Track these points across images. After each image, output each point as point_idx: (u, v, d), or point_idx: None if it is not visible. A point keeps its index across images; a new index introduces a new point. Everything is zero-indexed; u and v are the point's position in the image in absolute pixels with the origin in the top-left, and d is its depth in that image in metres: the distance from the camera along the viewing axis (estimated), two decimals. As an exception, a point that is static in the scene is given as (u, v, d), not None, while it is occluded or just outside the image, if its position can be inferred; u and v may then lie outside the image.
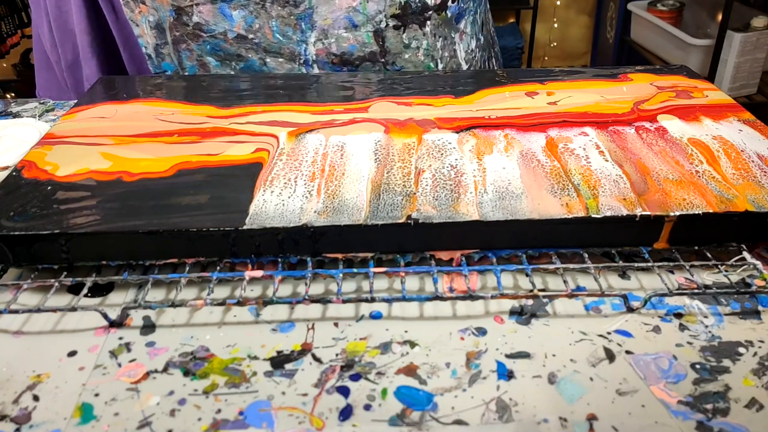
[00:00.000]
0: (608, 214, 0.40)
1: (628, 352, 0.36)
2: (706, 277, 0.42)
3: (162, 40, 0.66)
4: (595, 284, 0.40)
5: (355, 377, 0.34)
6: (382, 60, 0.67)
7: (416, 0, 0.65)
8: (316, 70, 0.67)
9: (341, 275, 0.40)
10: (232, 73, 0.66)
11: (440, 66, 0.70)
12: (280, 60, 0.66)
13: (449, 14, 0.69)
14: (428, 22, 0.67)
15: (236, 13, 0.61)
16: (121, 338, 0.37)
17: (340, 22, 0.63)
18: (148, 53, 0.68)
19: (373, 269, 0.40)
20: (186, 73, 0.68)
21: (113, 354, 0.36)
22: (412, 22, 0.66)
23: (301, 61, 0.66)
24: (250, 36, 0.63)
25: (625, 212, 0.40)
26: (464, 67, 0.74)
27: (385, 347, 0.36)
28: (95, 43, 0.75)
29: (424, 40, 0.68)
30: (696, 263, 0.41)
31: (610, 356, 0.36)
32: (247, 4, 0.61)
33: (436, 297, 0.38)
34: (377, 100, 0.55)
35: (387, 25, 0.65)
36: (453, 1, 0.69)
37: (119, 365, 0.35)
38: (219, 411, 0.33)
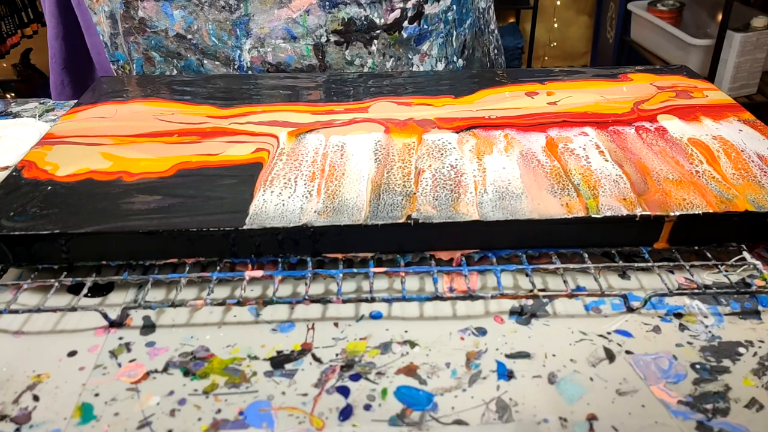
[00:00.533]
0: (608, 214, 0.40)
1: (628, 352, 0.36)
2: (706, 277, 0.42)
3: (115, 30, 0.67)
4: (595, 284, 0.40)
5: (355, 377, 0.34)
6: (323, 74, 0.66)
7: (361, 18, 0.64)
8: None
9: (341, 275, 0.40)
10: (175, 71, 0.67)
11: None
12: (216, 63, 0.66)
13: (405, 35, 0.66)
14: (375, 41, 0.66)
15: (177, 13, 0.62)
16: (121, 338, 0.37)
17: (278, 32, 0.63)
18: (105, 41, 0.70)
19: (373, 269, 0.40)
20: (134, 65, 0.69)
21: (113, 354, 0.36)
22: (356, 39, 0.65)
23: (236, 66, 0.66)
24: (189, 36, 0.64)
25: (625, 212, 0.40)
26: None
27: (385, 347, 0.36)
28: (62, 53, 0.77)
29: (369, 59, 0.67)
30: (696, 263, 0.41)
31: (610, 356, 0.36)
32: (186, 5, 0.61)
33: (436, 297, 0.38)
34: (377, 100, 0.55)
35: (328, 39, 0.64)
36: (411, 23, 0.66)
37: (119, 365, 0.35)
38: (219, 411, 0.33)
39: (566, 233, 0.41)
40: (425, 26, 0.67)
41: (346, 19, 0.63)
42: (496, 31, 0.83)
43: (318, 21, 0.63)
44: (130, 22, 0.64)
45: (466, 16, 0.73)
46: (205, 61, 0.65)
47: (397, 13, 0.64)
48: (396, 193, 0.42)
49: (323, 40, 0.64)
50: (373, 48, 0.65)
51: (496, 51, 0.84)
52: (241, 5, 0.61)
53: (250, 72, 0.66)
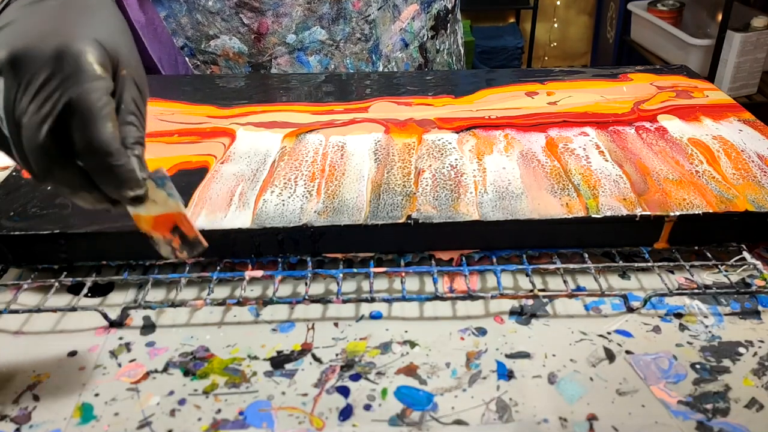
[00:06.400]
0: (608, 214, 0.40)
1: (628, 352, 0.36)
2: (706, 277, 0.42)
3: None
4: (595, 284, 0.40)
5: (355, 377, 0.34)
6: (426, 69, 0.70)
7: (442, 7, 0.68)
8: None
9: (341, 275, 0.40)
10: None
11: (453, 59, 0.74)
12: None
13: (450, 14, 0.72)
14: (448, 24, 0.71)
15: (312, 59, 0.63)
16: (121, 338, 0.37)
17: (397, 45, 0.66)
18: None
19: (373, 269, 0.40)
20: None
21: (113, 354, 0.36)
22: (441, 27, 0.69)
23: None
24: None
25: (625, 212, 0.40)
26: (461, 51, 0.77)
27: (385, 347, 0.36)
28: None
29: (446, 41, 0.71)
30: (696, 263, 0.41)
31: (610, 356, 0.36)
32: (321, 48, 0.63)
33: (436, 297, 0.38)
34: (377, 100, 0.55)
35: (427, 37, 0.68)
36: None
37: (119, 365, 0.35)
38: (219, 411, 0.33)
39: (566, 233, 0.41)
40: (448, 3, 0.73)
41: (435, 13, 0.68)
42: None
43: (420, 23, 0.67)
44: None
45: None
46: None
47: None
48: (396, 193, 0.42)
49: (425, 39, 0.68)
50: (448, 30, 0.71)
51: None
52: (373, 31, 0.63)
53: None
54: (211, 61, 0.64)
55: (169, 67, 0.63)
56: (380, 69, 0.66)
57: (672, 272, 0.42)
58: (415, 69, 0.69)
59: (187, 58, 0.64)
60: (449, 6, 0.70)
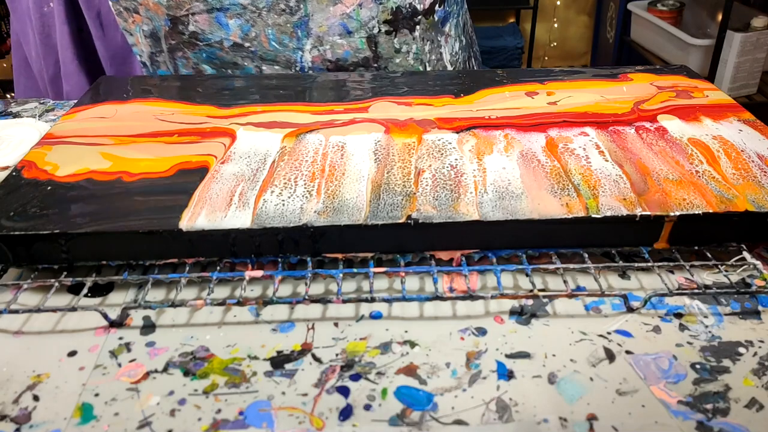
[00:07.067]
0: (608, 214, 0.40)
1: (628, 352, 0.36)
2: (706, 277, 0.42)
3: (157, 48, 0.67)
4: (595, 284, 0.40)
5: (355, 377, 0.34)
6: (375, 65, 0.68)
7: (407, 5, 0.66)
8: None
9: (341, 275, 0.40)
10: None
11: (428, 68, 0.71)
12: (276, 68, 0.66)
13: (436, 18, 0.70)
14: (417, 27, 0.68)
15: (232, 22, 0.62)
16: (121, 338, 0.37)
17: (335, 29, 0.64)
18: (143, 61, 0.69)
19: (373, 269, 0.40)
20: None
21: (113, 354, 0.36)
22: (403, 26, 0.67)
23: (297, 68, 0.66)
24: (246, 44, 0.64)
25: (625, 212, 0.40)
26: (449, 68, 0.75)
27: (385, 347, 0.36)
28: (78, 59, 0.76)
29: (414, 45, 0.69)
30: (696, 263, 0.41)
31: (610, 356, 0.36)
32: (243, 13, 0.62)
33: (436, 297, 0.38)
34: (377, 100, 0.55)
35: (379, 30, 0.66)
36: (440, 5, 0.69)
37: (119, 365, 0.35)
38: (219, 411, 0.33)
39: (566, 233, 0.41)
40: (447, 8, 0.71)
41: (394, 8, 0.65)
42: (468, 12, 0.87)
43: (370, 13, 0.64)
44: (178, 37, 0.65)
45: None
46: (264, 67, 0.66)
47: None
48: (396, 193, 0.42)
49: (375, 31, 0.66)
50: (416, 34, 0.68)
51: (471, 29, 0.87)
52: (301, 6, 0.62)
53: (310, 72, 0.67)
54: (133, 9, 0.64)
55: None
56: (308, 48, 0.65)
57: (672, 272, 0.42)
58: (360, 60, 0.67)
59: (111, 3, 0.64)
60: (419, 7, 0.67)
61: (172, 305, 0.38)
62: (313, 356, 0.36)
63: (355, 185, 0.43)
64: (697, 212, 0.40)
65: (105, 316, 0.38)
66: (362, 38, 0.65)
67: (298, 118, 0.52)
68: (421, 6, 0.68)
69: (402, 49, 0.68)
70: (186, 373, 0.35)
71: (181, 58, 0.66)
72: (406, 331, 0.38)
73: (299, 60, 0.65)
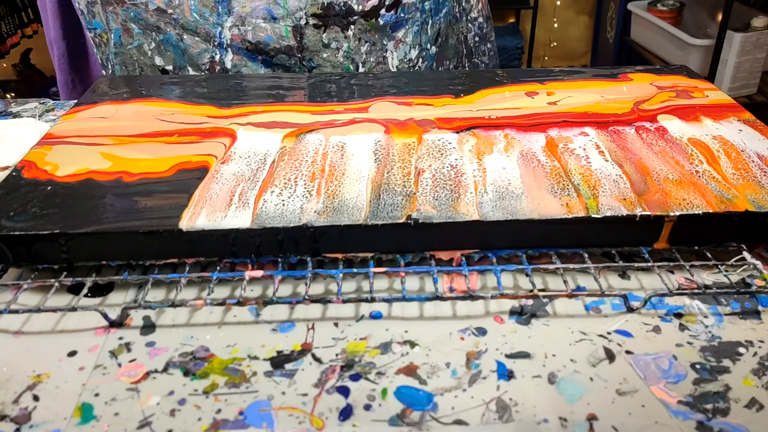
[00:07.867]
0: (608, 214, 0.40)
1: (628, 352, 0.36)
2: (706, 277, 0.42)
3: None
4: (595, 284, 0.40)
5: (355, 377, 0.34)
6: (299, 55, 0.68)
7: (340, 3, 0.65)
8: (229, 54, 0.68)
9: (341, 275, 0.40)
10: (154, 44, 0.67)
11: (361, 69, 0.71)
12: (197, 39, 0.66)
13: (381, 22, 0.68)
14: (352, 26, 0.67)
15: None
16: (121, 338, 0.37)
17: (259, 12, 0.64)
18: (81, 9, 0.70)
19: (373, 269, 0.40)
20: (112, 35, 0.69)
21: (113, 354, 0.36)
22: (334, 23, 0.66)
23: (216, 44, 0.66)
24: (170, 11, 0.64)
25: (625, 212, 0.40)
26: None
27: (385, 347, 0.36)
28: (69, 52, 0.77)
29: (345, 43, 0.68)
30: (696, 263, 0.41)
31: (610, 356, 0.36)
32: None
33: (436, 297, 0.38)
34: (377, 100, 0.55)
35: (307, 22, 0.65)
36: (388, 11, 0.68)
37: (119, 365, 0.35)
38: (219, 411, 0.33)
39: (566, 233, 0.41)
40: (402, 14, 0.69)
41: (326, 4, 0.64)
42: (480, 19, 0.84)
43: (298, 4, 0.64)
44: None
45: (442, 6, 0.75)
46: (185, 37, 0.66)
47: (374, 1, 0.66)
48: (396, 193, 0.42)
49: (302, 22, 0.65)
50: (350, 33, 0.67)
51: (477, 39, 0.85)
52: None
53: (228, 49, 0.66)
54: None
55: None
56: (227, 25, 0.64)
57: (672, 272, 0.42)
58: (283, 48, 0.66)
59: None
60: (357, 8, 0.66)
61: (172, 305, 0.38)
62: (313, 356, 0.36)
63: (355, 185, 0.43)
64: (697, 212, 0.40)
65: (105, 316, 0.38)
66: (287, 26, 0.65)
67: (298, 118, 0.52)
68: (359, 7, 0.66)
69: (331, 44, 0.67)
70: (186, 373, 0.35)
71: (111, 12, 0.66)
72: (406, 331, 0.38)
73: (218, 35, 0.65)
